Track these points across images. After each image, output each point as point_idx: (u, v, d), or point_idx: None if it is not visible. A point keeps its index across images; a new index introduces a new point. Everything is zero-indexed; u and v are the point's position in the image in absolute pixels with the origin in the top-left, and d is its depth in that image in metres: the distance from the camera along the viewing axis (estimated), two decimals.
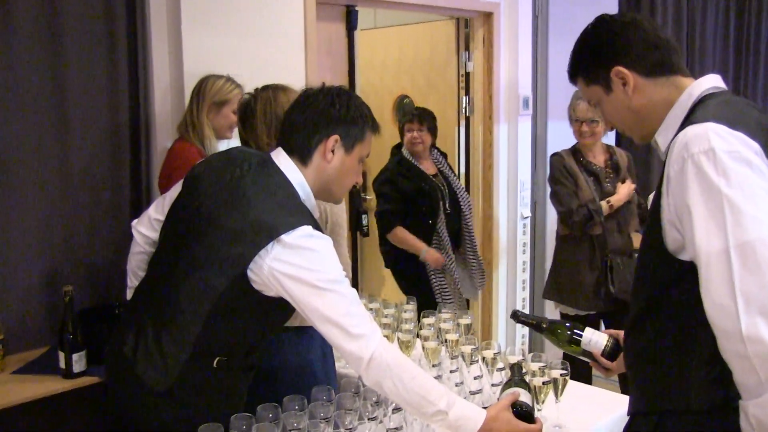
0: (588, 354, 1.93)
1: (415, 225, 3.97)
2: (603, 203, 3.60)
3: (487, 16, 4.59)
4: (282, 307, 1.80)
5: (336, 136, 1.82)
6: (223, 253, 1.73)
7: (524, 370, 1.98)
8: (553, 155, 3.77)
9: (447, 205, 4.05)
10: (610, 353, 1.90)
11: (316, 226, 1.76)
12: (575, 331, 1.95)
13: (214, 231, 1.76)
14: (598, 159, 3.72)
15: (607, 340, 1.90)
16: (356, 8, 3.94)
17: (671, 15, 5.29)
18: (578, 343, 1.93)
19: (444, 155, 4.27)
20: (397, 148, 4.19)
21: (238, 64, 3.21)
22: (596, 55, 1.55)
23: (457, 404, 1.70)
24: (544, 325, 1.99)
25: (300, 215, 1.75)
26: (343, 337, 1.68)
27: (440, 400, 1.68)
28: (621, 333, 1.90)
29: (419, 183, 3.99)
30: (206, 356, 1.83)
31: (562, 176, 3.66)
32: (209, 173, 1.89)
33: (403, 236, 3.97)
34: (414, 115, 4.11)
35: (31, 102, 2.86)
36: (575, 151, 3.72)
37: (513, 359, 2.08)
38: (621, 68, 1.50)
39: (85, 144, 3.02)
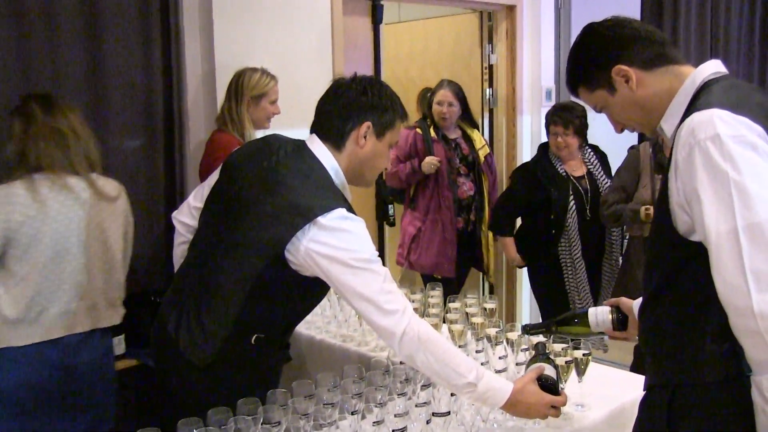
0: (602, 332, 2.00)
1: (538, 233, 3.82)
2: (642, 209, 3.39)
3: (510, 9, 4.64)
4: (317, 287, 1.89)
5: (368, 123, 1.91)
6: (261, 236, 1.82)
7: (548, 350, 2.05)
8: (631, 147, 3.62)
9: (589, 210, 3.71)
10: (619, 324, 1.95)
11: (350, 209, 1.84)
12: (581, 320, 2.00)
13: (252, 214, 1.85)
14: None
15: (611, 313, 1.96)
16: (381, 2, 4.02)
17: (695, 6, 5.27)
18: (589, 326, 1.99)
19: (601, 155, 3.92)
20: (544, 146, 3.92)
21: (268, 57, 3.29)
22: (595, 61, 1.59)
23: (485, 377, 1.78)
24: (554, 328, 2.05)
25: (334, 198, 1.83)
26: (377, 313, 1.76)
27: (470, 372, 1.75)
28: (620, 300, 1.97)
29: (549, 189, 3.72)
30: (245, 334, 1.92)
31: (624, 168, 3.55)
32: (247, 159, 1.98)
33: (506, 245, 3.91)
34: (558, 117, 3.73)
35: (70, 96, 2.96)
36: (656, 144, 3.45)
37: (536, 339, 2.14)
38: (621, 66, 1.55)
39: (121, 136, 3.13)
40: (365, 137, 1.91)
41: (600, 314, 1.97)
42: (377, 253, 1.83)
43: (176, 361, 1.95)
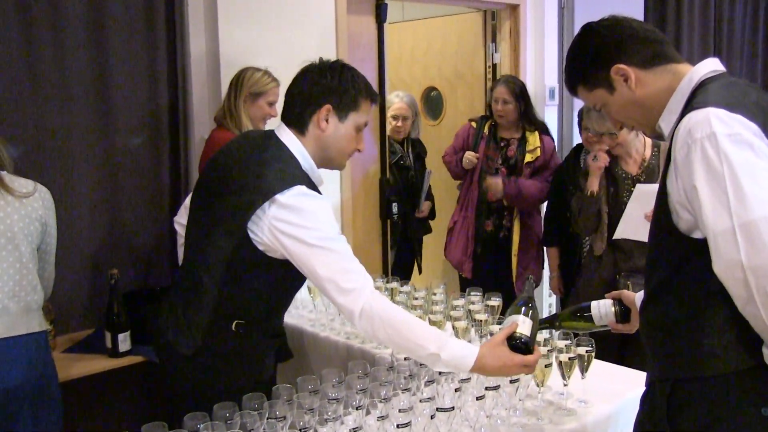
0: (605, 325, 2.01)
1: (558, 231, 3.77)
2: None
3: (514, 8, 4.64)
4: (291, 270, 1.89)
5: (328, 106, 1.93)
6: (227, 219, 1.88)
7: (535, 285, 2.00)
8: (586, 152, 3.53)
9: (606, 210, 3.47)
10: (622, 316, 1.96)
11: (312, 187, 1.88)
12: (584, 314, 2.01)
13: (221, 201, 1.91)
14: (631, 167, 3.27)
15: (613, 306, 1.96)
16: (385, 1, 4.02)
17: (698, 5, 5.27)
18: (592, 320, 1.99)
19: None
20: (578, 146, 3.71)
21: (272, 56, 3.30)
22: (594, 60, 1.61)
23: (448, 345, 1.76)
24: (557, 323, 2.05)
25: (296, 178, 1.86)
26: (336, 292, 1.79)
27: (431, 343, 1.76)
28: (622, 293, 1.98)
29: (568, 188, 3.59)
30: (225, 320, 1.97)
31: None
32: (223, 154, 2.05)
33: (548, 257, 3.83)
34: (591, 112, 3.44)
35: (77, 96, 2.99)
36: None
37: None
38: (620, 65, 1.56)
39: (127, 135, 3.15)
40: (327, 120, 1.94)
41: (603, 307, 1.97)
42: (339, 230, 1.85)
43: (168, 353, 2.03)
